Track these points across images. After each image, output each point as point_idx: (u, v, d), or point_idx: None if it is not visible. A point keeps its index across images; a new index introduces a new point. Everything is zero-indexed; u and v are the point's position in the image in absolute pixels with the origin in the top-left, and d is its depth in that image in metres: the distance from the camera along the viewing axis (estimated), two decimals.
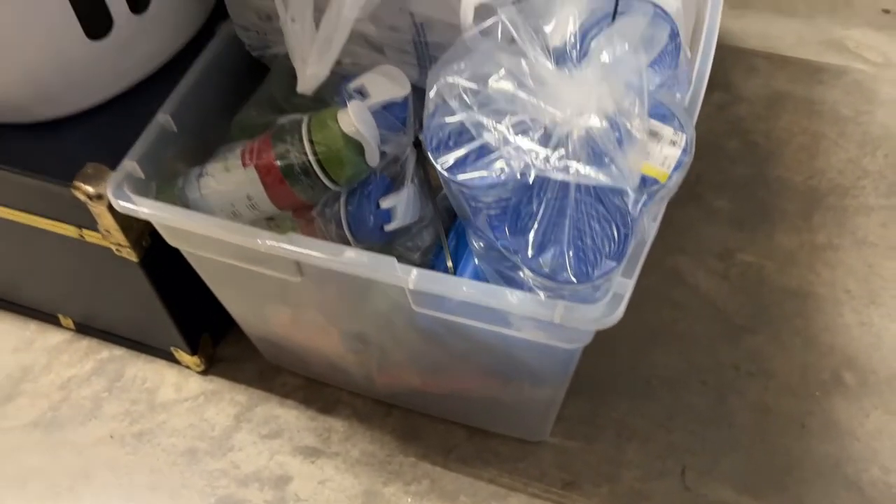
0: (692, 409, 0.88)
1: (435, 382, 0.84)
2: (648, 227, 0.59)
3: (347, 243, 0.71)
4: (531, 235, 0.57)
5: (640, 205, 0.56)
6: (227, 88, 0.78)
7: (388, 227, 0.71)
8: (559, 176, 0.54)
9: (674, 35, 0.63)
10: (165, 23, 0.78)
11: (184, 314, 0.87)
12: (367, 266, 0.62)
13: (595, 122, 0.54)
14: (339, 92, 0.70)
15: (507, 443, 0.87)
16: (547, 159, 0.55)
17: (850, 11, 1.30)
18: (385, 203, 0.70)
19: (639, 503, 0.83)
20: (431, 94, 0.58)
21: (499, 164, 0.56)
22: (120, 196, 0.67)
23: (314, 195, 0.67)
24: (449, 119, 0.58)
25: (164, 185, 0.71)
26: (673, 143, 0.57)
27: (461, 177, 0.58)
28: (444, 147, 0.59)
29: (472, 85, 0.56)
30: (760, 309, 0.96)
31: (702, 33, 0.76)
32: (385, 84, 0.70)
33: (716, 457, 0.85)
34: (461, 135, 0.58)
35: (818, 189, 1.07)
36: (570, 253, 0.56)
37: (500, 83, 0.55)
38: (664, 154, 0.57)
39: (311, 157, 0.64)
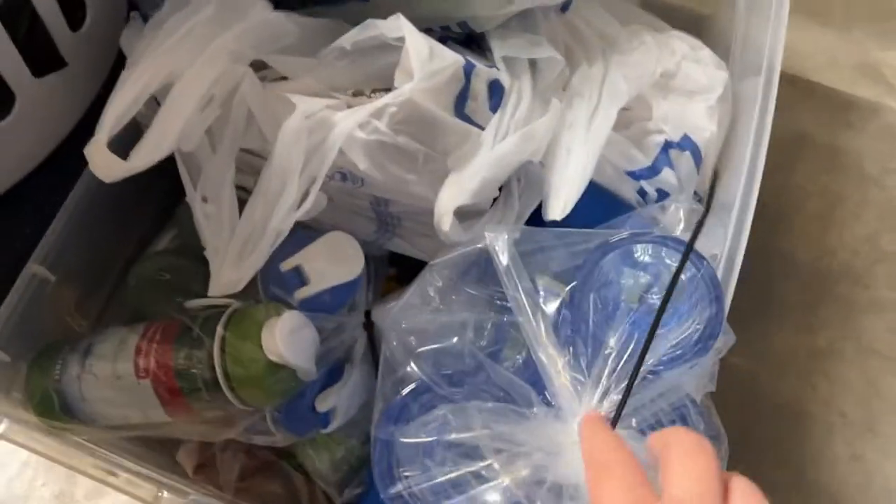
0: None
1: None
2: None
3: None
4: None
5: None
6: (123, 205, 0.60)
7: (328, 430, 0.57)
8: None
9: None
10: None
11: None
12: None
13: None
14: (269, 275, 0.53)
15: None
16: None
17: (892, 24, 1.11)
18: (323, 405, 0.56)
19: None
20: None
21: None
22: None
23: (227, 413, 0.53)
24: None
25: (36, 366, 0.55)
26: None
27: None
28: None
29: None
30: (744, 428, 0.86)
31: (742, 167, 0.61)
32: (330, 264, 0.53)
33: None
34: None
35: (827, 274, 0.94)
36: None
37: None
38: None
39: (224, 386, 0.49)
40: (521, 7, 0.54)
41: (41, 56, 0.55)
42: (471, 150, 0.48)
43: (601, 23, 0.63)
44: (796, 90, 1.05)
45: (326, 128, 0.43)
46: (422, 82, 0.43)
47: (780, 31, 0.70)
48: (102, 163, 0.41)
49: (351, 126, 0.43)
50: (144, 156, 0.42)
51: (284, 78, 0.49)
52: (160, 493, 0.50)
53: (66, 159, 0.59)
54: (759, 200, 0.97)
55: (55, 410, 0.54)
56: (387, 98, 0.43)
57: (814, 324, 0.91)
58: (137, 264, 0.58)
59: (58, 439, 0.53)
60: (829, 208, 0.98)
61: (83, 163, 0.44)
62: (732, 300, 0.71)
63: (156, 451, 0.65)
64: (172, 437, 0.54)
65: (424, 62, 0.44)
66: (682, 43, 0.66)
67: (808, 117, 1.04)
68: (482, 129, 0.50)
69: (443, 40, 0.58)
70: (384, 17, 0.53)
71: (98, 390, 0.52)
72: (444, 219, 0.46)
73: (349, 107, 0.45)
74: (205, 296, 0.50)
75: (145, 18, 0.54)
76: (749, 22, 0.74)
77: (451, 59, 0.46)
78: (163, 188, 0.59)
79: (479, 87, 0.49)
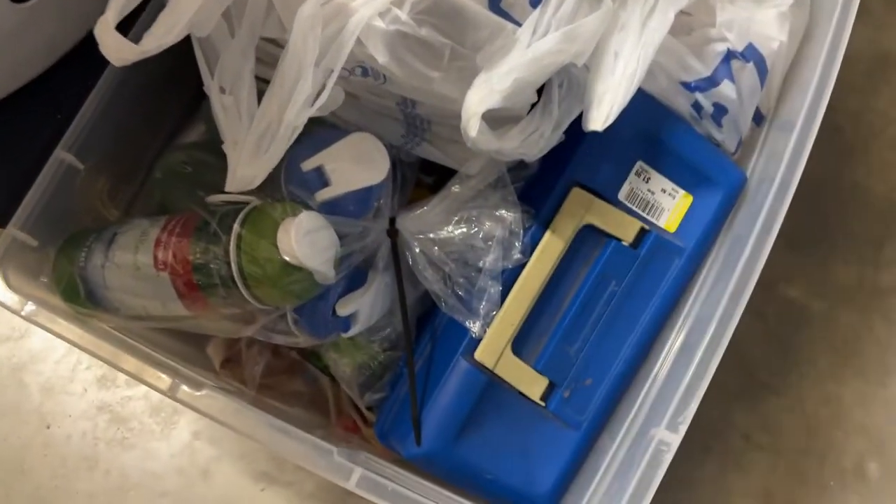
0: (688, 484, 0.79)
1: None
2: None
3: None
4: None
5: None
6: (153, 96, 0.58)
7: (348, 334, 0.56)
8: None
9: None
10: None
11: None
12: (299, 455, 0.49)
13: None
14: (291, 173, 0.51)
15: None
16: None
17: None
18: (344, 309, 0.55)
19: None
20: None
21: None
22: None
23: (245, 310, 0.52)
24: None
25: (63, 253, 0.55)
26: None
27: None
28: None
29: None
30: (791, 364, 0.82)
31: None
32: (354, 166, 0.51)
33: None
34: None
35: None
36: None
37: None
38: None
39: (239, 284, 0.48)
40: None
41: None
42: (504, 48, 0.45)
43: None
44: (890, 4, 0.96)
45: (344, 16, 0.40)
46: None
47: None
48: (111, 45, 0.39)
49: (370, 14, 0.40)
50: (156, 39, 0.40)
51: None
52: (176, 382, 0.50)
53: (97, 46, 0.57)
54: (834, 124, 0.90)
55: (80, 297, 0.54)
56: None
57: (880, 259, 0.85)
58: (163, 156, 0.57)
59: (83, 325, 0.54)
60: None
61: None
62: (792, 225, 0.67)
63: (189, 344, 0.65)
64: (192, 331, 0.54)
65: None
66: None
67: None
68: (519, 24, 0.46)
69: None
70: None
71: (120, 279, 0.52)
72: (472, 122, 0.43)
73: None
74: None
75: None
76: None
77: None
78: (194, 78, 0.57)
79: None
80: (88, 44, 0.57)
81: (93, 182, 0.59)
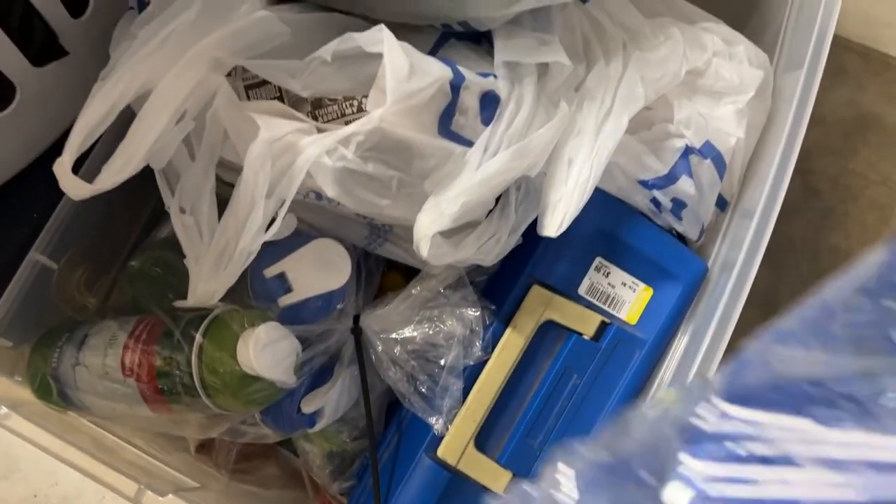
0: None
1: None
2: None
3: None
4: None
5: None
6: (129, 189, 0.60)
7: (314, 429, 0.57)
8: None
9: None
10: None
11: None
12: None
13: None
14: (255, 279, 0.53)
15: None
16: None
17: None
18: (309, 406, 0.56)
19: None
20: None
21: None
22: None
23: (211, 415, 0.53)
24: None
25: (36, 352, 0.57)
26: None
27: None
28: None
29: None
30: None
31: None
32: (316, 271, 0.53)
33: None
34: None
35: None
36: None
37: None
38: None
39: (201, 393, 0.50)
40: (526, 7, 0.51)
41: (40, 46, 0.54)
42: (452, 172, 0.46)
43: (625, 15, 0.59)
44: (867, 64, 0.96)
45: (292, 153, 0.42)
46: (395, 105, 0.41)
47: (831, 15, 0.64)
48: (69, 185, 0.41)
49: (317, 153, 0.41)
50: (112, 175, 0.42)
51: (267, 82, 0.48)
52: (141, 488, 0.51)
53: None
54: (811, 187, 0.91)
55: (53, 395, 0.56)
56: (354, 126, 0.41)
57: None
58: (134, 256, 0.59)
59: (59, 424, 0.55)
60: (891, 198, 0.91)
61: (88, 150, 0.44)
62: (769, 291, 0.65)
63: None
64: (161, 430, 0.56)
65: (401, 82, 0.41)
66: (714, 37, 0.60)
67: (876, 96, 0.95)
68: (471, 144, 0.47)
69: (445, 37, 0.55)
70: (381, 11, 0.51)
71: (90, 381, 0.54)
72: (422, 244, 0.45)
73: (319, 131, 0.43)
74: None
75: (141, 6, 0.53)
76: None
77: (435, 74, 0.43)
78: None
79: (470, 101, 0.47)
80: (64, 143, 0.59)
81: (70, 274, 0.61)
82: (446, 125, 0.46)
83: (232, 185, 0.49)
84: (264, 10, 0.48)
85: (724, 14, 0.69)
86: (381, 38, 0.43)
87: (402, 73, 0.41)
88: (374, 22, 0.48)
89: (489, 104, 0.48)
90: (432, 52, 0.53)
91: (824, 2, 0.62)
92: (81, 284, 0.63)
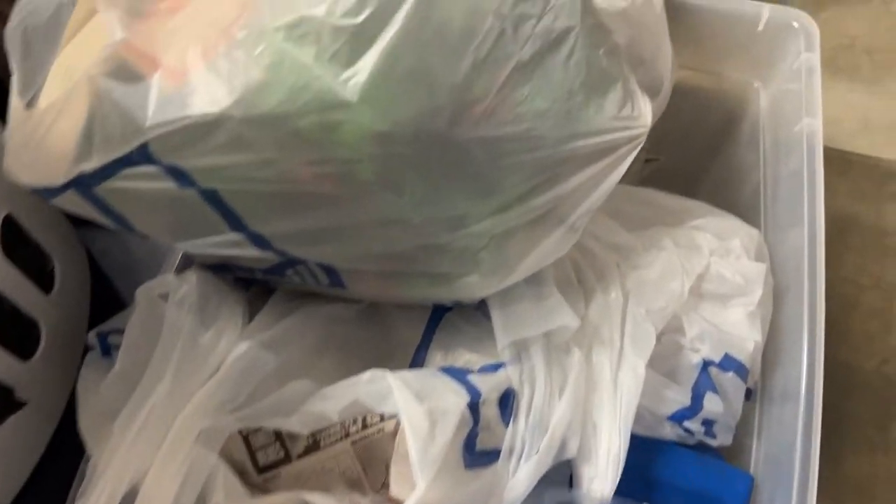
0: None
1: None
2: None
3: None
4: None
5: None
6: None
7: None
8: None
9: None
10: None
11: None
12: None
13: None
14: None
15: None
16: None
17: None
18: None
19: None
20: None
21: None
22: None
23: None
24: None
25: None
26: None
27: None
28: None
29: None
30: None
31: None
32: None
33: None
34: None
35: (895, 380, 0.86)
36: None
37: None
38: None
39: None
40: (519, 279, 0.47)
41: None
42: (488, 491, 0.42)
43: (612, 235, 0.56)
44: (830, 166, 0.96)
45: None
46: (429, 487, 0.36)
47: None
48: None
49: None
50: None
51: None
52: None
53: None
54: None
55: None
56: None
57: (890, 441, 0.83)
58: None
59: None
60: (889, 302, 0.89)
61: None
62: None
63: None
64: None
65: (426, 443, 0.37)
66: (707, 235, 0.58)
67: (849, 196, 0.95)
68: (497, 454, 0.43)
69: (438, 313, 0.52)
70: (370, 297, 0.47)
71: None
72: None
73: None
74: None
75: (105, 349, 0.48)
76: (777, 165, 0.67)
77: (453, 410, 0.39)
78: None
79: (490, 413, 0.43)
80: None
81: None
82: (472, 448, 0.42)
83: None
84: (244, 342, 0.44)
85: (703, 183, 0.67)
86: (390, 390, 0.39)
87: (423, 430, 0.37)
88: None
89: (507, 402, 0.44)
90: (428, 334, 0.50)
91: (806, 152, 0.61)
92: None
